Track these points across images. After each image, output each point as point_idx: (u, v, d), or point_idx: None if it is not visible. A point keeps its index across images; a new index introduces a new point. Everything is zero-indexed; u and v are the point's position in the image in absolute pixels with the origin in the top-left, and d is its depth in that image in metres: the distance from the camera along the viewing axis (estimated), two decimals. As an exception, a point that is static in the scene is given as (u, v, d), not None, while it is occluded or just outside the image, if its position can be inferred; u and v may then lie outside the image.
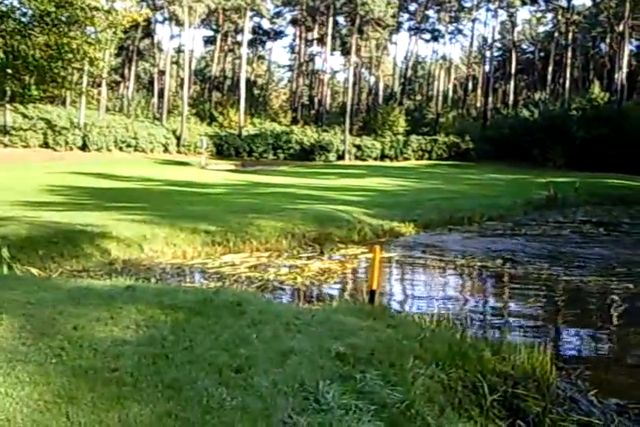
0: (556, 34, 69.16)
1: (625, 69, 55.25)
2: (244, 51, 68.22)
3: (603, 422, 6.08)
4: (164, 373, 4.42)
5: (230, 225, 14.98)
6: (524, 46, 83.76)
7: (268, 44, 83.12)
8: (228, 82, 77.76)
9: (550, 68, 69.47)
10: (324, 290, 10.70)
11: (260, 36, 77.81)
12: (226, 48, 77.62)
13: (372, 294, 7.12)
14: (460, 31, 73.68)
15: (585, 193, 29.11)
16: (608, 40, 71.31)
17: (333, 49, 70.07)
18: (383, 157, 54.91)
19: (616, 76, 57.19)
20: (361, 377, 4.73)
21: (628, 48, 57.94)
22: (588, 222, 21.67)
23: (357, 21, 62.03)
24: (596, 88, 54.29)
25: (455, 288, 12.29)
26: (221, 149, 55.95)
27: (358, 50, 67.13)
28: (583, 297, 11.30)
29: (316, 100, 70.94)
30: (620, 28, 56.58)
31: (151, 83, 72.26)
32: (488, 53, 71.45)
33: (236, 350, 4.98)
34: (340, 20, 70.25)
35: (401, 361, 5.29)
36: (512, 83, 68.07)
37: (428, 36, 73.29)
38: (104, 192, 24.16)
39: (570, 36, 64.37)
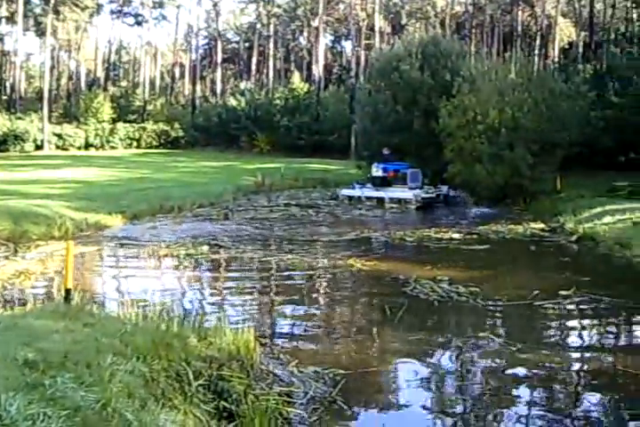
0: (259, 25, 72.09)
1: (322, 62, 59.78)
2: None
3: (302, 389, 6.56)
4: None
5: None
6: (229, 36, 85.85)
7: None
8: None
9: (255, 59, 72.36)
10: (18, 293, 9.83)
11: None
12: None
13: (67, 292, 6.72)
14: (164, 17, 72.86)
15: (290, 178, 30.97)
16: (306, 34, 76.48)
17: (26, 29, 64.33)
18: (88, 146, 51.85)
19: (314, 67, 61.62)
20: (51, 383, 4.45)
21: (323, 42, 62.69)
22: (292, 205, 23.20)
23: (52, 0, 57.69)
24: (297, 79, 57.84)
25: (165, 278, 12.25)
26: None
27: (55, 31, 62.62)
28: (293, 277, 12.00)
29: (7, 84, 64.56)
30: (316, 23, 60.90)
31: None
32: (194, 41, 71.90)
33: None
34: (34, -3, 64.70)
35: (98, 360, 5.09)
36: (219, 71, 69.52)
37: (131, 20, 71.21)
38: None
39: (272, 27, 67.55)
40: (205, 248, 14.13)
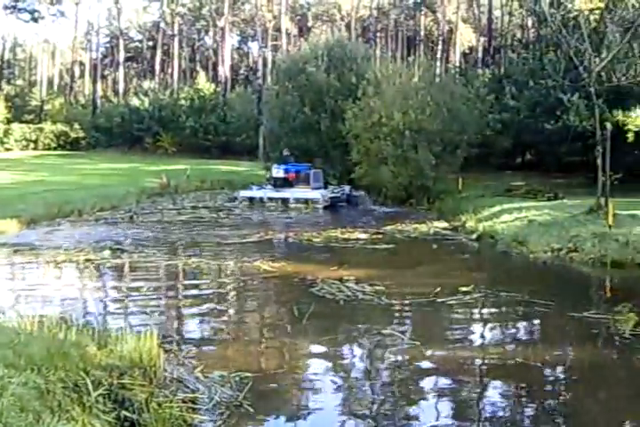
0: (163, 24, 70.59)
1: (228, 62, 59.24)
2: None
3: (207, 395, 6.43)
4: None
5: None
6: (132, 34, 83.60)
7: None
8: None
9: (159, 58, 70.78)
10: None
11: None
12: None
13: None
14: (62, 14, 70.04)
15: (196, 179, 30.51)
16: (212, 33, 75.55)
17: None
18: (-21, 147, 49.02)
19: (220, 68, 60.97)
20: None
21: (229, 42, 62.17)
22: (198, 208, 22.87)
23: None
24: (203, 79, 57.03)
25: (63, 286, 11.71)
26: None
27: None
28: (199, 281, 11.80)
29: None
30: (222, 23, 60.28)
31: None
32: (95, 39, 69.48)
33: None
34: None
35: (-13, 373, 4.80)
36: (121, 70, 67.52)
37: (27, 16, 68.03)
38: None
39: (176, 26, 66.33)
40: (107, 253, 13.64)
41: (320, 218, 22.06)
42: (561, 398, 6.76)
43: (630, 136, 16.63)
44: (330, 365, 7.60)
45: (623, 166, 21.78)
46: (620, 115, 16.63)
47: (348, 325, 9.22)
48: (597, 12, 17.60)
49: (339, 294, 10.28)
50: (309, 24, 71.34)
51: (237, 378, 6.79)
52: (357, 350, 8.09)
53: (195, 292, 11.04)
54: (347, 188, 25.63)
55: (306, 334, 8.56)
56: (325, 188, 25.08)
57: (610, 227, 13.81)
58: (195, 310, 9.84)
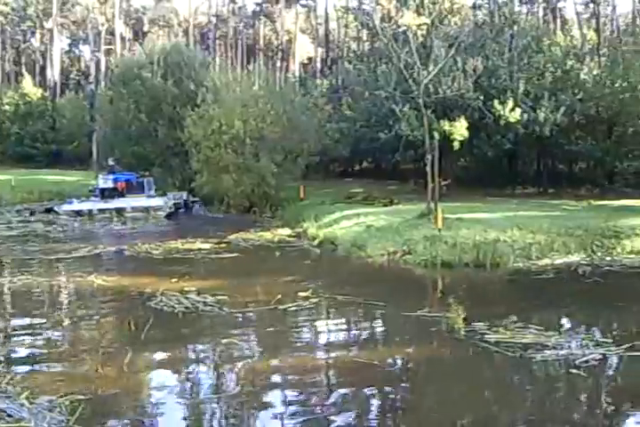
0: (-16, 24, 65.46)
1: (57, 66, 56.08)
2: None
3: (33, 423, 5.93)
4: None
5: None
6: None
7: None
8: None
9: (-21, 60, 65.51)
10: None
11: None
12: None
13: None
14: None
15: (23, 190, 28.50)
16: (39, 35, 71.11)
17: None
18: None
19: (48, 72, 57.55)
20: None
21: (59, 45, 58.88)
22: (26, 221, 21.37)
23: None
24: (29, 83, 53.46)
25: None
26: None
27: None
28: (27, 300, 10.99)
29: None
30: (50, 24, 56.99)
31: None
32: None
33: None
34: None
35: None
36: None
37: None
38: None
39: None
40: None
41: (159, 228, 21.43)
42: (402, 394, 6.99)
43: (456, 145, 17.73)
44: (171, 380, 7.30)
45: (451, 173, 23.25)
46: (446, 125, 17.67)
47: (189, 337, 8.95)
48: (424, 27, 18.59)
49: (178, 307, 9.99)
50: (145, 28, 69.40)
51: (68, 402, 6.32)
52: (200, 363, 7.86)
53: (23, 311, 10.23)
54: (184, 194, 25.31)
55: (144, 350, 8.20)
56: (161, 196, 24.58)
57: (439, 230, 14.61)
58: (22, 330, 9.11)
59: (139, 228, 21.35)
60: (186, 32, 61.00)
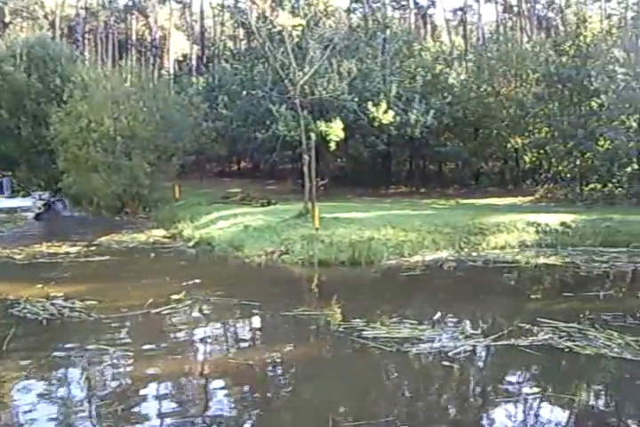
0: None
1: None
2: None
3: None
4: None
5: None
6: None
7: None
8: None
9: None
10: None
11: None
12: None
13: None
14: None
15: None
16: None
17: None
18: None
19: None
20: None
21: None
22: None
23: None
24: None
25: None
26: None
27: None
28: None
29: None
30: None
31: None
32: None
33: None
34: None
35: None
36: None
37: None
38: None
39: None
40: None
41: (22, 231, 20.13)
42: (283, 393, 6.95)
43: (332, 145, 17.96)
44: (39, 392, 6.82)
45: (328, 173, 23.59)
46: (322, 125, 17.86)
47: (55, 345, 8.43)
48: (300, 28, 18.72)
49: (43, 313, 9.41)
50: (7, 20, 65.28)
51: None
52: (68, 372, 7.42)
53: None
54: (47, 195, 24.07)
55: (7, 361, 7.62)
56: (27, 196, 23.22)
57: (317, 229, 14.74)
58: None
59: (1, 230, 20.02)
60: (52, 25, 57.98)
